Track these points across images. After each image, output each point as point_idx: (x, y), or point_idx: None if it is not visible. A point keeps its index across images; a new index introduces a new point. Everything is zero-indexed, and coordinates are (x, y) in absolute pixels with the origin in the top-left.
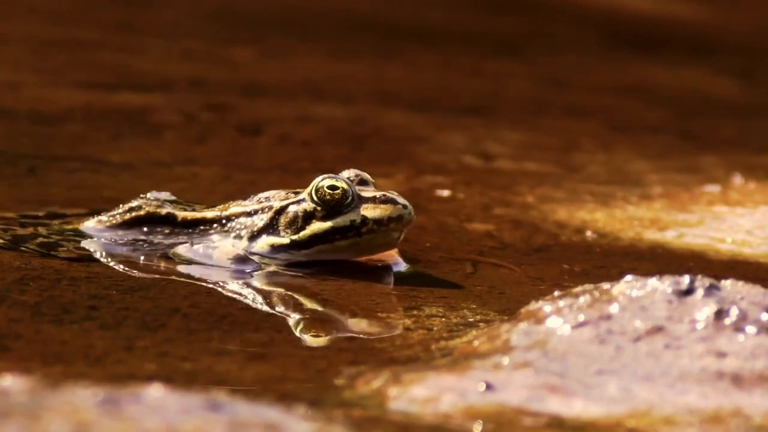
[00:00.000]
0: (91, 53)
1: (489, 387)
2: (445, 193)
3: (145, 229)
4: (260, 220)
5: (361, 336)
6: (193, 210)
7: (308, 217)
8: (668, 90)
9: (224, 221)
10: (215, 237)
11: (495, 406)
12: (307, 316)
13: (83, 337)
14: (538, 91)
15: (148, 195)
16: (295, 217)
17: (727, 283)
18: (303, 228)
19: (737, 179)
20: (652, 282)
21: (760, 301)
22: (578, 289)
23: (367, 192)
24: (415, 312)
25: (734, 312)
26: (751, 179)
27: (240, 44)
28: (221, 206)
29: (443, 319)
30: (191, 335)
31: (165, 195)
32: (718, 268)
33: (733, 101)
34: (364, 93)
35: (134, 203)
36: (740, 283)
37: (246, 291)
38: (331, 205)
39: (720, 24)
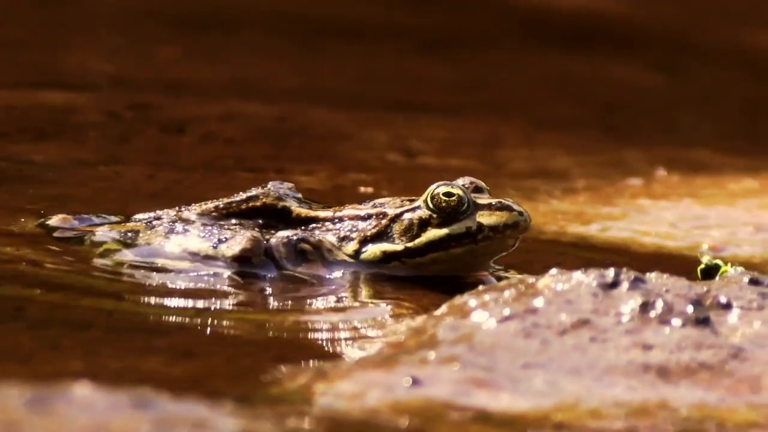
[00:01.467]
0: (13, 51)
1: (415, 382)
2: (369, 190)
3: (261, 221)
4: (373, 227)
5: (288, 333)
6: (310, 207)
7: (424, 224)
8: (591, 85)
9: (336, 221)
10: (329, 237)
11: (422, 400)
12: (234, 314)
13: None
14: (461, 87)
15: (269, 186)
16: (411, 224)
17: (652, 276)
18: (418, 235)
19: (660, 172)
20: (578, 275)
21: (685, 293)
22: (503, 283)
23: (483, 199)
24: (341, 308)
25: (660, 304)
26: (674, 172)
27: (164, 43)
28: (335, 207)
29: (369, 315)
30: (117, 334)
31: (286, 187)
32: (642, 261)
33: (656, 95)
34: (289, 91)
35: (253, 192)
36: (665, 276)
37: (176, 290)
38: (447, 212)
39: (643, 18)
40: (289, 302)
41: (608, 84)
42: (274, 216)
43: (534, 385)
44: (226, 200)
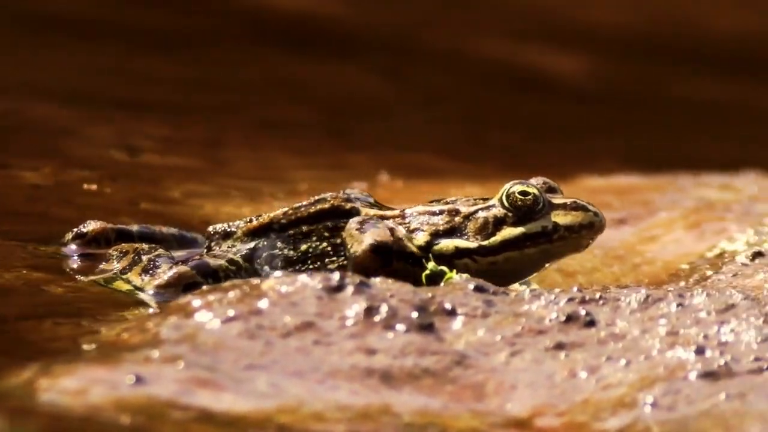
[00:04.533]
0: None
1: (139, 380)
2: (93, 187)
3: (330, 224)
4: (445, 222)
5: (11, 328)
6: (380, 209)
7: (499, 222)
8: (316, 87)
9: (405, 218)
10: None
11: (145, 398)
12: None
13: None
14: (185, 86)
15: (347, 191)
16: (486, 222)
17: (377, 281)
18: (493, 234)
19: (384, 176)
20: (303, 278)
21: (410, 298)
22: (228, 283)
23: (557, 198)
24: (67, 304)
25: (384, 309)
26: (398, 177)
27: None
28: (405, 206)
29: (94, 311)
30: None
31: (357, 192)
32: None
33: (380, 99)
34: (12, 86)
35: (321, 196)
36: (390, 281)
37: None
38: (523, 211)
39: (368, 23)
40: (15, 299)
41: (333, 87)
42: (343, 218)
43: (257, 386)
44: (294, 206)
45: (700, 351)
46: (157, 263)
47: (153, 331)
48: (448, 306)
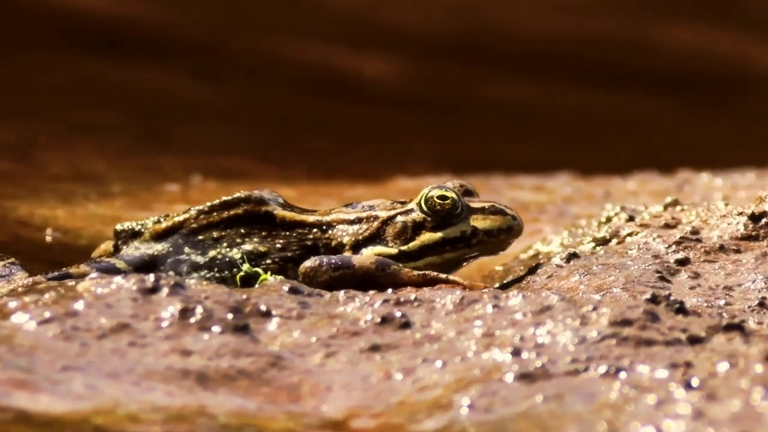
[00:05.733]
0: None
1: None
2: None
3: (243, 230)
4: (365, 230)
5: None
6: (293, 211)
7: (418, 227)
8: (127, 90)
9: (325, 227)
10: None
11: None
12: None
13: None
14: None
15: (257, 192)
16: (405, 227)
17: (192, 283)
18: (413, 239)
19: (196, 179)
20: (118, 280)
21: (225, 300)
22: (43, 285)
23: (475, 202)
24: None
25: (199, 311)
26: (211, 179)
27: None
28: (322, 211)
29: None
30: None
31: (267, 192)
32: None
33: (192, 103)
34: None
35: (230, 197)
36: (205, 283)
37: None
38: (442, 216)
39: (179, 26)
40: None
41: (145, 90)
42: (257, 222)
43: (73, 387)
44: (199, 208)
45: (516, 353)
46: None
47: None
48: (263, 307)
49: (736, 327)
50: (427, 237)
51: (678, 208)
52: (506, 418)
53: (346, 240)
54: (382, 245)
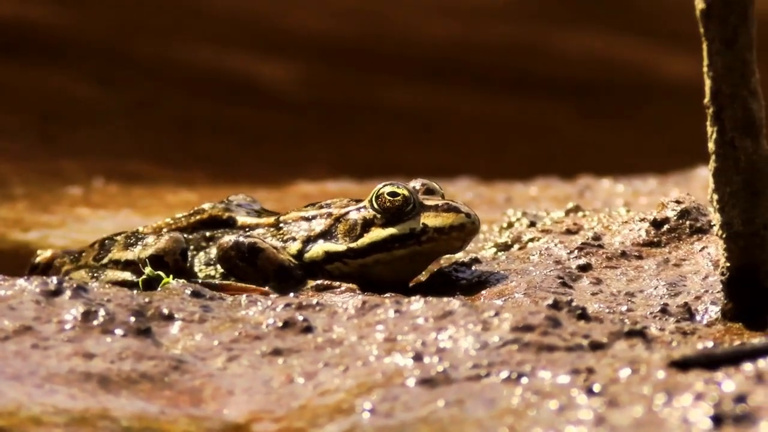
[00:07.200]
0: None
1: None
2: None
3: (207, 234)
4: (318, 226)
5: None
6: (259, 217)
7: (367, 224)
8: (26, 93)
9: (280, 226)
10: (273, 240)
11: None
12: None
13: None
14: None
15: (230, 198)
16: (355, 224)
17: (94, 285)
18: (361, 235)
19: (98, 182)
20: (21, 282)
21: (127, 303)
22: None
23: (430, 200)
24: None
25: (102, 314)
26: (113, 182)
27: None
28: (285, 213)
29: None
30: None
31: (241, 198)
32: None
33: (92, 106)
34: None
35: (201, 206)
36: (108, 286)
37: None
38: (391, 213)
39: (77, 29)
40: None
41: (43, 93)
42: (220, 227)
43: None
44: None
45: (418, 357)
46: None
47: None
48: (165, 311)
49: (638, 333)
50: (375, 234)
51: (580, 213)
52: (407, 423)
53: (298, 236)
54: (332, 242)
